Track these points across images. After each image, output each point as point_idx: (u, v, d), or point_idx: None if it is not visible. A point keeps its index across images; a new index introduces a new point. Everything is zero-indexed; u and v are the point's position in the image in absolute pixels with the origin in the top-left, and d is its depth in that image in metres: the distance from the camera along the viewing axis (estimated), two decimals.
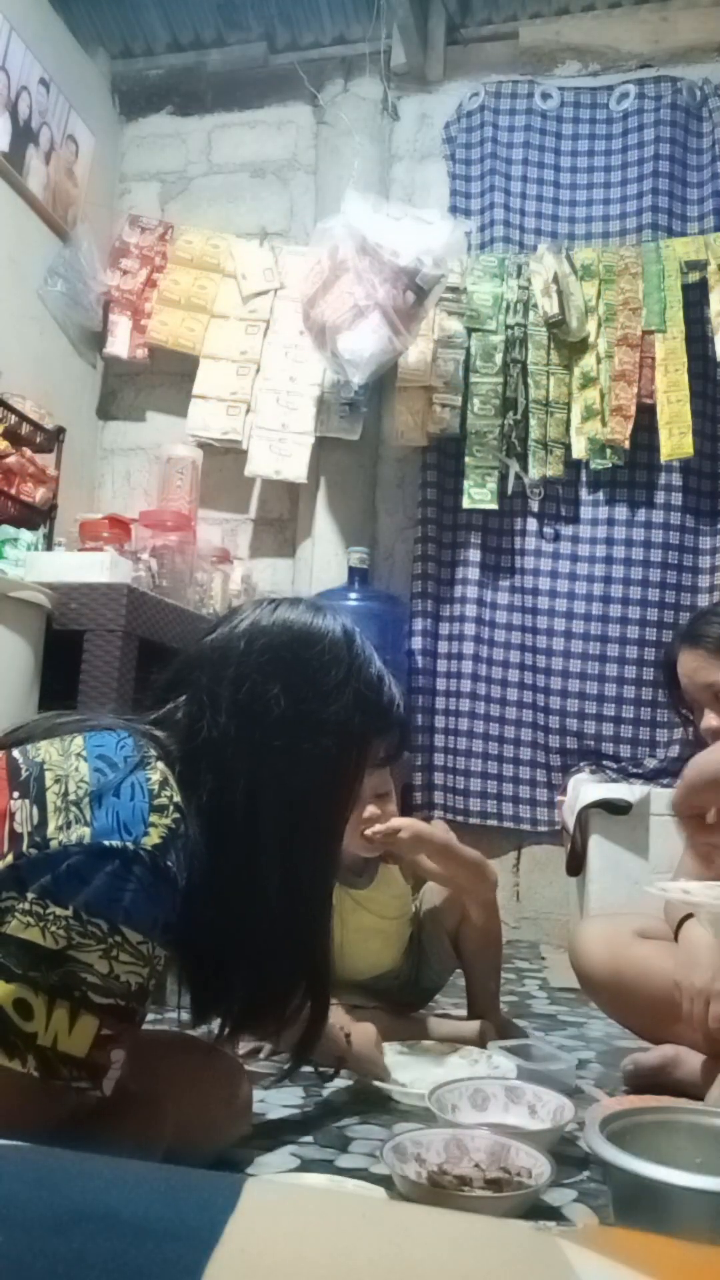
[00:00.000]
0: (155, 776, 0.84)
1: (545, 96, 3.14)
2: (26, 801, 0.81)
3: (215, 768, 0.90)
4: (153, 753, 0.87)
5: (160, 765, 0.86)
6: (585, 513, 2.94)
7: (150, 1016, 1.13)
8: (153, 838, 0.80)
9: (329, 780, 0.94)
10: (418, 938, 1.78)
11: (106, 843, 0.78)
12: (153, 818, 0.81)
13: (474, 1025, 1.68)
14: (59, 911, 0.76)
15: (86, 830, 0.79)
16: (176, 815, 0.82)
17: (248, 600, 1.04)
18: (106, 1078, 0.79)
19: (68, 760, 0.84)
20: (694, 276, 2.82)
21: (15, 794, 0.82)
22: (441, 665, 3.02)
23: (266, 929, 0.92)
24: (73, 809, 0.80)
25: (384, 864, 1.71)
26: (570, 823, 2.53)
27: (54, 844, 0.78)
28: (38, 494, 2.71)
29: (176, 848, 0.82)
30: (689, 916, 1.51)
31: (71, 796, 0.81)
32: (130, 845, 0.79)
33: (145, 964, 0.79)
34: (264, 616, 0.98)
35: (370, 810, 1.59)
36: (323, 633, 0.97)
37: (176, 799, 0.84)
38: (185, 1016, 1.01)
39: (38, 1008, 0.76)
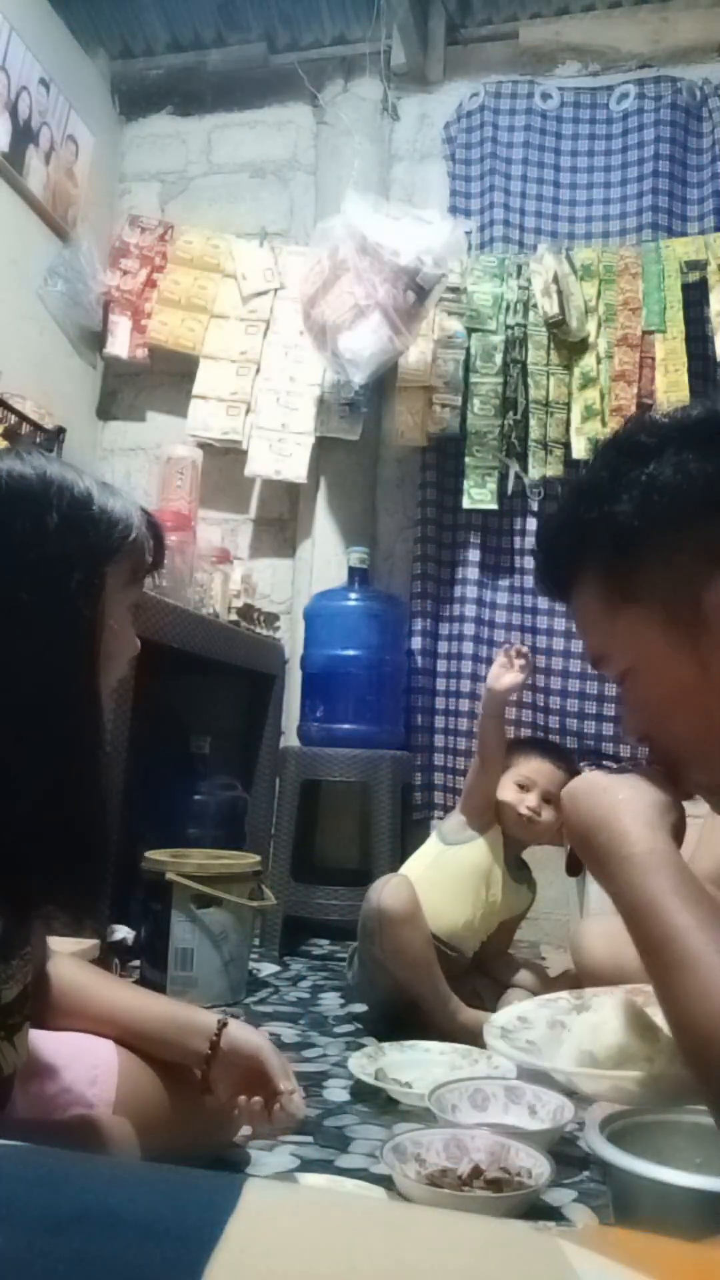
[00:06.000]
0: None
1: (545, 96, 3.14)
2: None
3: None
4: None
5: None
6: None
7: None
8: None
9: (57, 628, 0.82)
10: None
11: None
12: None
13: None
14: None
15: None
16: None
17: None
18: None
19: None
20: (694, 276, 2.82)
21: None
22: (441, 665, 3.01)
23: (39, 814, 0.80)
24: None
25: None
26: None
27: None
28: None
29: None
30: None
31: None
32: None
33: None
34: None
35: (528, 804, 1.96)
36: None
37: None
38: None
39: None
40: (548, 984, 1.97)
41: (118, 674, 0.93)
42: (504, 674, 1.93)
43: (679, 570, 0.74)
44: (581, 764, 2.77)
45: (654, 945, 0.67)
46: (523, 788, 1.99)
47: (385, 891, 1.82)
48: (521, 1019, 0.94)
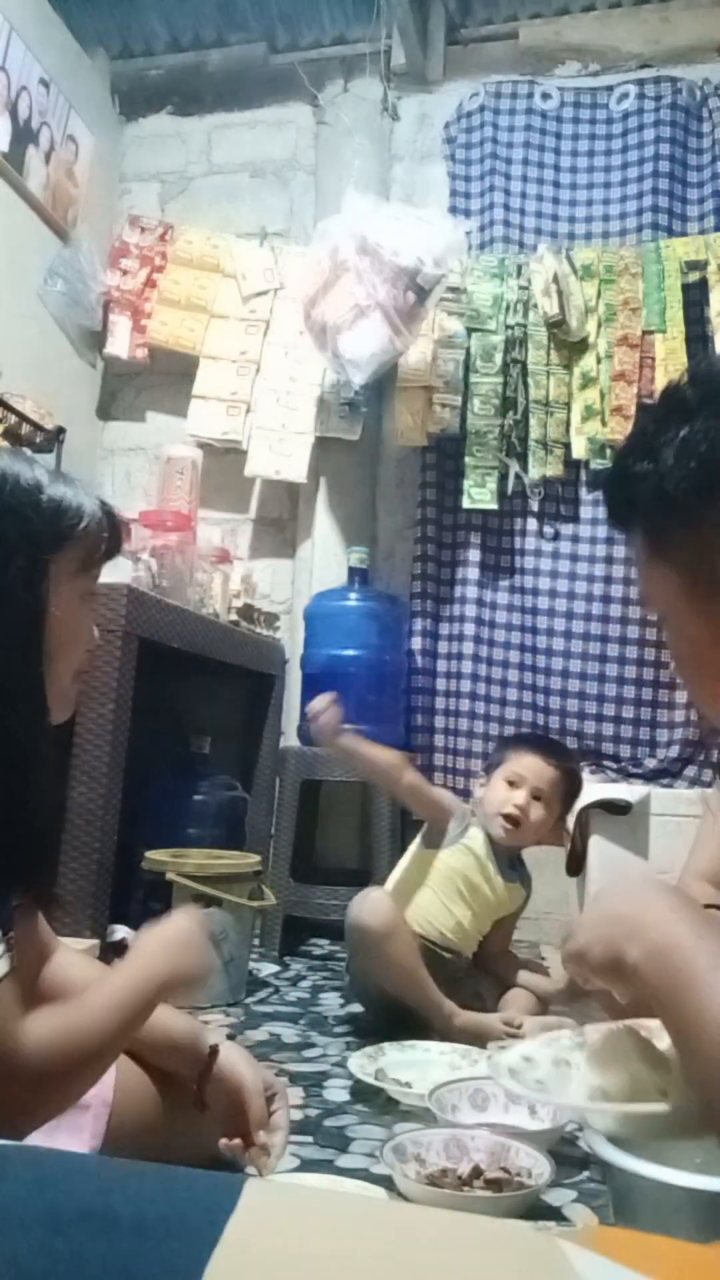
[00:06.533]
0: None
1: (545, 96, 3.14)
2: None
3: None
4: None
5: None
6: (585, 513, 2.94)
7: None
8: None
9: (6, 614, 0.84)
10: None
11: None
12: None
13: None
14: None
15: None
16: None
17: None
18: None
19: None
20: (694, 276, 2.82)
21: None
22: (441, 665, 3.01)
23: None
24: None
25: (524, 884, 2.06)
26: (570, 823, 2.53)
27: None
28: None
29: None
30: None
31: None
32: None
33: None
34: None
35: (515, 802, 1.93)
36: None
37: None
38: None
39: None
40: (551, 989, 1.96)
41: (74, 664, 0.94)
42: (316, 719, 1.95)
43: (702, 536, 0.75)
44: (581, 764, 2.77)
45: (672, 980, 0.67)
46: (512, 784, 1.97)
47: (363, 909, 1.79)
48: (526, 1059, 0.93)
